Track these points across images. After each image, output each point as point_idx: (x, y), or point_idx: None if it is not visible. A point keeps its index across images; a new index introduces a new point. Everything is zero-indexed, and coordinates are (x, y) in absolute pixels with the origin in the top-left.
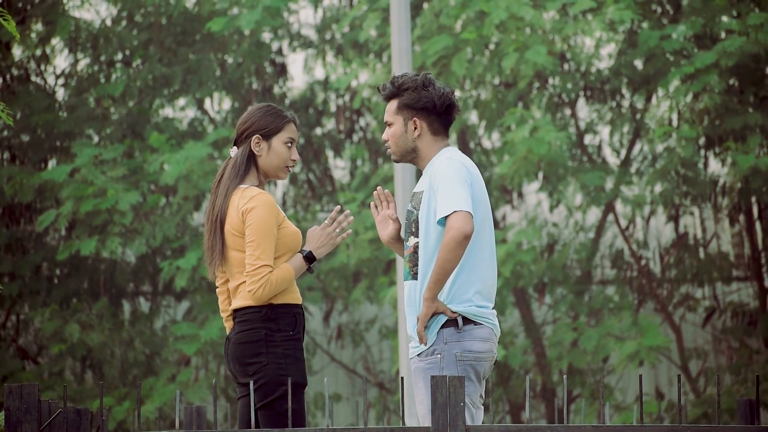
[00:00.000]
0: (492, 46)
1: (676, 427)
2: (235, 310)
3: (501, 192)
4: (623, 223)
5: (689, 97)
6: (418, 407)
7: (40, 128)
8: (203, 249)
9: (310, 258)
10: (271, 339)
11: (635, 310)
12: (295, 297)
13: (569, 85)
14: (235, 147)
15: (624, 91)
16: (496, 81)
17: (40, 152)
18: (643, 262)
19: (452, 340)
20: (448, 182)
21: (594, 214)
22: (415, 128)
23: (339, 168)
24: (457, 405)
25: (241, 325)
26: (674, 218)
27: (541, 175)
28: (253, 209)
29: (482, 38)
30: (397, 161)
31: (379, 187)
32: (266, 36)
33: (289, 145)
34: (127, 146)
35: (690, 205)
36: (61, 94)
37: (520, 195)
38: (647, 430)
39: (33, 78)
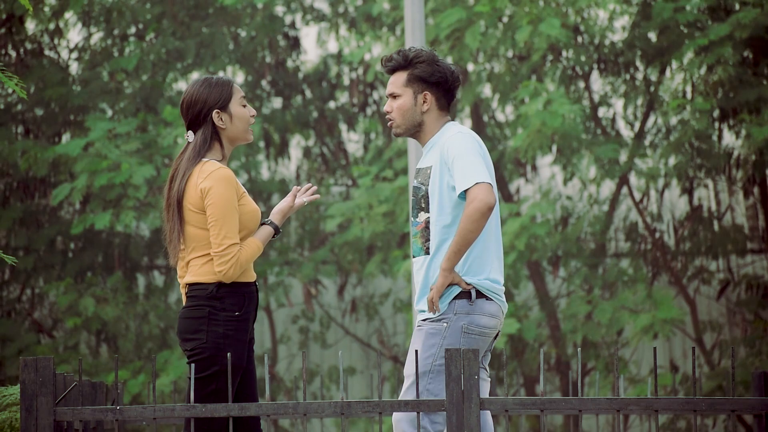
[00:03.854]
0: (505, 19)
1: (691, 400)
2: (187, 285)
3: (515, 165)
4: (637, 195)
5: (703, 70)
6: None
7: (53, 102)
8: (163, 234)
9: (275, 227)
10: (214, 317)
11: (649, 283)
12: (246, 275)
13: (583, 58)
14: (190, 132)
15: (638, 63)
16: (510, 54)
17: (54, 126)
18: (657, 234)
19: (462, 312)
20: (464, 155)
21: (608, 186)
22: (425, 102)
23: (353, 141)
24: (472, 378)
25: (189, 300)
26: (688, 191)
27: (554, 148)
28: (212, 188)
29: (495, 11)
30: (398, 135)
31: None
32: (279, 9)
33: (245, 104)
34: (141, 120)
35: (704, 178)
36: (74, 68)
37: (534, 168)
38: (661, 402)
39: (46, 52)
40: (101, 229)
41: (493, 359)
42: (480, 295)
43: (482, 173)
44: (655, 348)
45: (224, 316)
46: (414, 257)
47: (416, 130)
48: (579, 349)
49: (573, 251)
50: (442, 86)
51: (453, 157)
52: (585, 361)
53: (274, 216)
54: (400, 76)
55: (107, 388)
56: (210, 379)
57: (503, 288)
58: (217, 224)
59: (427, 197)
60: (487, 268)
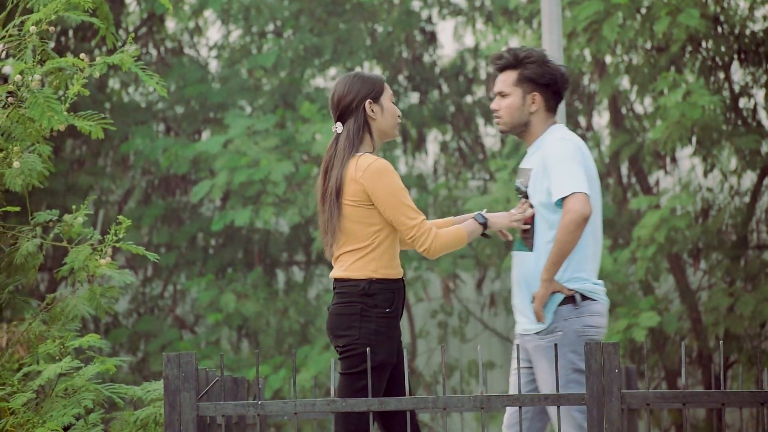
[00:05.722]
0: (643, 10)
1: None
2: (335, 280)
3: (654, 157)
4: None
5: None
6: (540, 385)
7: (193, 100)
8: (319, 225)
9: (485, 225)
10: (366, 314)
11: None
12: (396, 272)
13: (723, 48)
14: (339, 123)
15: None
16: (648, 45)
17: (193, 123)
18: None
19: (571, 316)
20: (563, 162)
21: (749, 178)
22: (533, 103)
23: (490, 135)
24: (612, 371)
25: (339, 296)
26: None
27: (694, 139)
28: (375, 184)
29: (634, 2)
30: (504, 132)
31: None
32: (416, 4)
33: (393, 101)
34: (279, 117)
35: None
36: (213, 65)
37: (674, 160)
38: None
39: (186, 50)
40: (241, 226)
41: (633, 352)
42: (584, 297)
43: (579, 182)
44: None
45: (376, 312)
46: (517, 251)
47: (522, 130)
48: (721, 342)
49: (714, 243)
50: (551, 88)
51: (552, 164)
52: (727, 354)
53: (491, 216)
54: (510, 75)
55: (248, 383)
56: (362, 376)
57: (604, 288)
58: (397, 211)
59: (527, 198)
60: (586, 272)
